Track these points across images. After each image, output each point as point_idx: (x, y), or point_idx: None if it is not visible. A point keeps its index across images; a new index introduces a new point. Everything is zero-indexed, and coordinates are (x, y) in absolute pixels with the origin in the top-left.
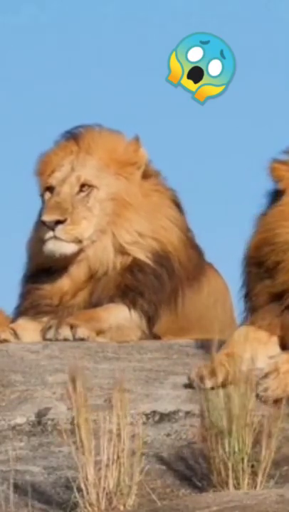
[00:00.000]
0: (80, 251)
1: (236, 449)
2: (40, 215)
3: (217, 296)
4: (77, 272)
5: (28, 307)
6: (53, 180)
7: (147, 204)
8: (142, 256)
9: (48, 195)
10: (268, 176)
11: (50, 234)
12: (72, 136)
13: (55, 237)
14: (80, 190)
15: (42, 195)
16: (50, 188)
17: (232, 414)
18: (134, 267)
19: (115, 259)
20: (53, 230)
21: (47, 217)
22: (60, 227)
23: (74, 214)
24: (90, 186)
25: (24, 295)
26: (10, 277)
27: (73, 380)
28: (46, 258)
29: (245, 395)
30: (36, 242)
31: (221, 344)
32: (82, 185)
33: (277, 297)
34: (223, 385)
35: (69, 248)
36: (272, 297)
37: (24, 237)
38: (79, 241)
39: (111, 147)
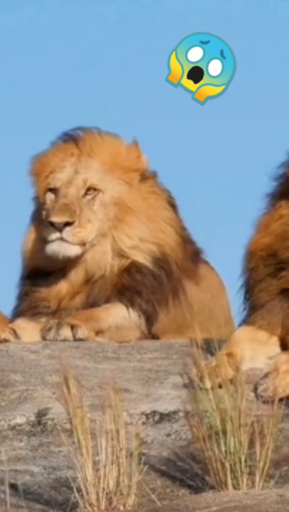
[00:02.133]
0: (80, 254)
1: (232, 450)
2: (35, 214)
3: (213, 292)
4: (75, 275)
5: (25, 309)
6: (56, 182)
7: (146, 207)
8: (142, 259)
9: (50, 196)
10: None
11: (57, 235)
12: (72, 138)
13: (61, 239)
14: (86, 194)
15: (39, 196)
16: (53, 190)
17: (226, 414)
18: (132, 268)
19: (113, 262)
20: (60, 231)
21: (56, 219)
22: (67, 229)
23: (81, 217)
24: (96, 190)
25: (22, 297)
26: (7, 278)
27: (66, 381)
28: (46, 259)
29: (240, 395)
30: (35, 242)
31: (221, 343)
32: (88, 189)
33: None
34: (223, 386)
35: (74, 250)
36: (282, 292)
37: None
38: (83, 244)
39: (114, 152)
